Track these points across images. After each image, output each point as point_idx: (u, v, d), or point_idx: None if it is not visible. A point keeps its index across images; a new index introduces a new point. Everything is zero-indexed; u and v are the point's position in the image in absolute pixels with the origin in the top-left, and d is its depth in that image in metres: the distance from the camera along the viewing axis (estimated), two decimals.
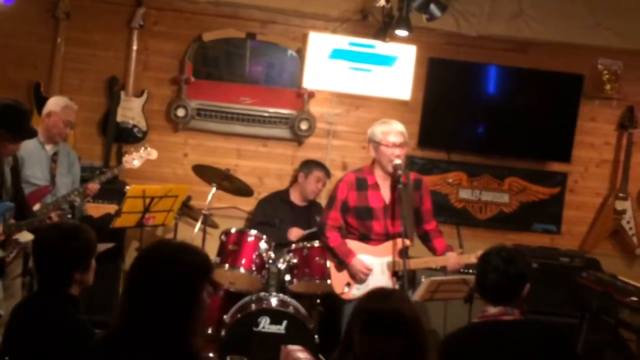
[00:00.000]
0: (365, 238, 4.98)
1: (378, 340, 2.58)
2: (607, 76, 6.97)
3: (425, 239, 5.12)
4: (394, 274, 4.90)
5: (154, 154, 5.71)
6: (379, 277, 4.91)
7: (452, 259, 4.92)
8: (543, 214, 7.11)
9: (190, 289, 2.49)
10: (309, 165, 6.51)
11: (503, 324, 3.23)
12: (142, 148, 5.69)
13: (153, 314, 2.45)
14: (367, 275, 4.90)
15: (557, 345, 3.22)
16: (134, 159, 5.61)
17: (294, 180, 6.63)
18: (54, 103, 5.54)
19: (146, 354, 2.43)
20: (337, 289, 5.01)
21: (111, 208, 5.33)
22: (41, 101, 6.36)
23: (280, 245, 5.72)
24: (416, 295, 4.89)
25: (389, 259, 4.91)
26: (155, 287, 2.47)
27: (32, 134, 4.79)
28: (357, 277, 4.92)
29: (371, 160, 5.06)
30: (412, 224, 4.90)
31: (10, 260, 4.86)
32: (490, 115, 7.02)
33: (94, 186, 5.42)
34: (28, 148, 5.27)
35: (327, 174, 6.49)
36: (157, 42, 6.73)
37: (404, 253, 4.76)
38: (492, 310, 3.26)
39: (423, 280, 5.14)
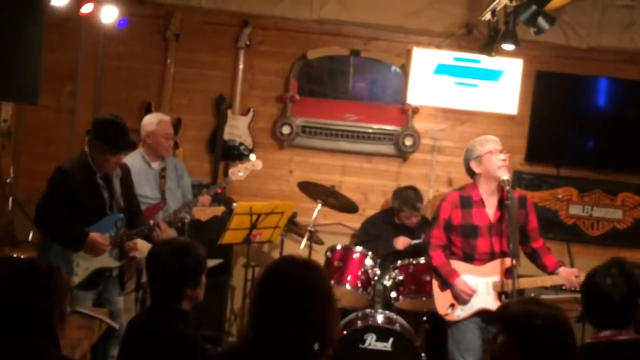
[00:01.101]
0: (468, 258, 4.87)
1: None
2: None
3: (534, 257, 4.99)
4: (500, 294, 4.78)
5: (258, 165, 5.71)
6: (484, 297, 4.79)
7: (564, 274, 4.76)
8: None
9: (320, 304, 2.56)
10: (399, 201, 6.26)
11: (619, 344, 3.08)
12: (247, 159, 5.71)
13: (282, 329, 2.51)
14: (470, 296, 4.79)
15: None
16: (239, 171, 5.63)
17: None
18: (149, 123, 5.64)
19: None
20: (441, 310, 4.91)
21: (218, 210, 5.32)
22: None
23: (388, 255, 5.66)
24: None
25: (495, 278, 4.79)
26: (283, 304, 2.53)
27: (130, 146, 4.90)
28: (459, 298, 4.82)
29: (473, 179, 4.94)
30: (517, 242, 4.78)
31: (130, 275, 5.02)
32: (601, 128, 6.82)
33: (205, 199, 5.51)
34: (135, 169, 5.42)
35: (415, 209, 6.21)
36: (263, 61, 6.84)
37: (512, 272, 4.63)
38: (605, 332, 3.12)
39: None
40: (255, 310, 2.60)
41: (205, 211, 5.23)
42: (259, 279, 2.65)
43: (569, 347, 2.59)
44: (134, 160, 5.46)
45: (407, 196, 6.27)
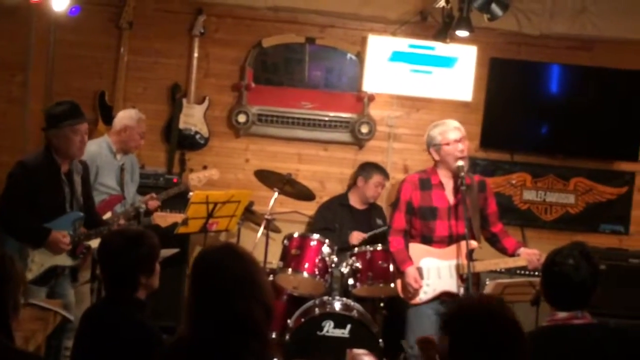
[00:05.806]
0: (426, 241, 4.89)
1: None
2: None
3: (494, 241, 5.01)
4: (462, 276, 4.81)
5: (216, 175, 5.82)
6: (447, 280, 4.80)
7: (525, 255, 4.76)
8: (610, 214, 6.97)
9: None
10: (368, 169, 6.47)
11: (574, 328, 3.09)
12: (205, 169, 5.78)
13: (216, 322, 2.53)
14: (416, 288, 4.77)
15: (632, 349, 3.10)
16: (198, 180, 5.70)
17: (353, 184, 6.60)
18: (129, 117, 5.59)
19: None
20: (403, 293, 4.94)
21: (178, 217, 5.33)
22: (105, 110, 6.51)
23: (342, 249, 5.70)
24: None
25: (457, 261, 4.82)
26: (211, 293, 2.57)
27: (83, 115, 4.82)
28: (408, 287, 4.79)
29: (433, 163, 4.97)
30: (477, 225, 4.81)
31: (81, 265, 4.96)
32: (554, 114, 6.90)
33: (153, 203, 5.49)
34: (101, 157, 5.40)
35: (386, 177, 6.49)
36: (218, 49, 6.79)
37: (468, 255, 4.67)
38: (562, 314, 3.14)
39: (488, 283, 5.06)
40: (193, 299, 2.63)
41: (165, 218, 5.21)
42: (190, 273, 2.70)
43: (513, 338, 2.54)
44: (99, 147, 5.44)
45: (375, 165, 6.53)
